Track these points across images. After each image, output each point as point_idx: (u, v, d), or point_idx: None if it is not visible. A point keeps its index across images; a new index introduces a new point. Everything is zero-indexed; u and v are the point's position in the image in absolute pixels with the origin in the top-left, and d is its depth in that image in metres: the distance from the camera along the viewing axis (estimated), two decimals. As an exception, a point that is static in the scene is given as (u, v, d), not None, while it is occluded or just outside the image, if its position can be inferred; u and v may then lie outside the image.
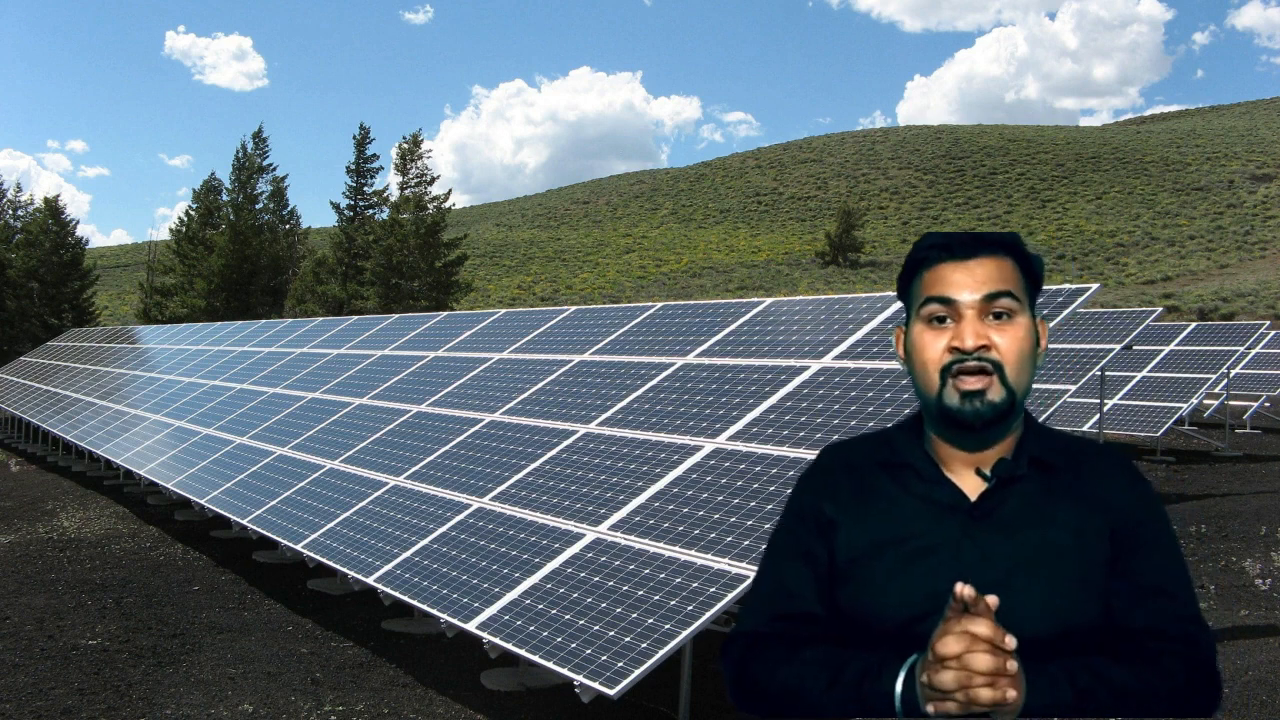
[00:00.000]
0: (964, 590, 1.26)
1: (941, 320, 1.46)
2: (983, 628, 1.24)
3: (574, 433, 6.61)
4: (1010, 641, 1.24)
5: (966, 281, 1.45)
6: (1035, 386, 10.69)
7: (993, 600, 1.25)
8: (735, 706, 1.54)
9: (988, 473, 1.46)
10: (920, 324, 1.48)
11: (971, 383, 1.42)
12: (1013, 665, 1.24)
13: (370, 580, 6.01)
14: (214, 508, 8.61)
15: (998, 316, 1.44)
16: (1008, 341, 1.43)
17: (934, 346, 1.45)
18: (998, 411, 1.42)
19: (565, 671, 4.35)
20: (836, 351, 5.98)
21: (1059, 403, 11.83)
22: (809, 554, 1.53)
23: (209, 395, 12.54)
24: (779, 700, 1.43)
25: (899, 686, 1.32)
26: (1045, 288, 5.43)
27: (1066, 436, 1.57)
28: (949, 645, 1.24)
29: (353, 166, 39.29)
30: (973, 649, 1.23)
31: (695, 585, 4.50)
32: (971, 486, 1.47)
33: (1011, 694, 1.23)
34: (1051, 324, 5.09)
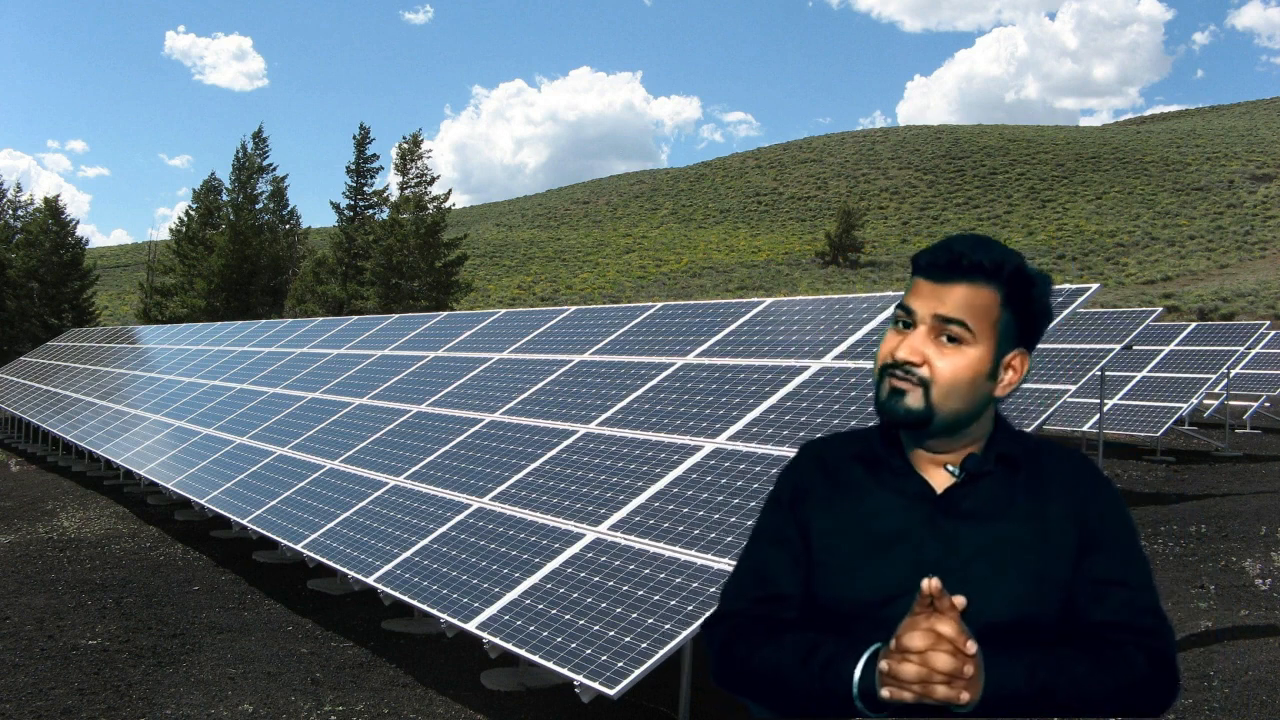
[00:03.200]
0: (931, 585, 1.32)
1: (906, 325, 1.54)
2: (947, 628, 1.30)
3: (574, 433, 6.61)
4: (971, 646, 1.30)
5: (930, 299, 1.52)
6: (1036, 387, 10.67)
7: (960, 600, 1.30)
8: (716, 684, 1.61)
9: (956, 469, 1.53)
10: (891, 324, 1.58)
11: (897, 384, 1.51)
12: (970, 669, 1.29)
13: (370, 580, 6.01)
14: (214, 508, 8.61)
15: (951, 339, 1.50)
16: (945, 365, 1.49)
17: (887, 346, 1.55)
18: (911, 416, 1.50)
19: (565, 671, 4.35)
20: (836, 351, 5.99)
21: (1059, 403, 11.83)
22: (787, 540, 1.61)
23: (209, 395, 12.54)
24: (757, 679, 1.51)
25: (857, 673, 1.38)
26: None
27: (1034, 437, 1.64)
28: (914, 640, 1.30)
29: (353, 166, 39.30)
30: (936, 647, 1.29)
31: (695, 585, 4.51)
32: (940, 482, 1.54)
33: (965, 696, 1.29)
34: (1051, 324, 5.08)
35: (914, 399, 1.49)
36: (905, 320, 1.54)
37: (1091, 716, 1.38)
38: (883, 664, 1.33)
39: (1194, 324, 17.85)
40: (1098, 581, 1.48)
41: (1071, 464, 1.57)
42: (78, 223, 40.16)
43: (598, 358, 7.72)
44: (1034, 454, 1.56)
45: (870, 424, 1.67)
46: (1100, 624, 1.46)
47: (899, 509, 1.53)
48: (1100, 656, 1.42)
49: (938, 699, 1.29)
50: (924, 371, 1.49)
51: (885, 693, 1.32)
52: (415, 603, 5.54)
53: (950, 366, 1.49)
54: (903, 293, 1.62)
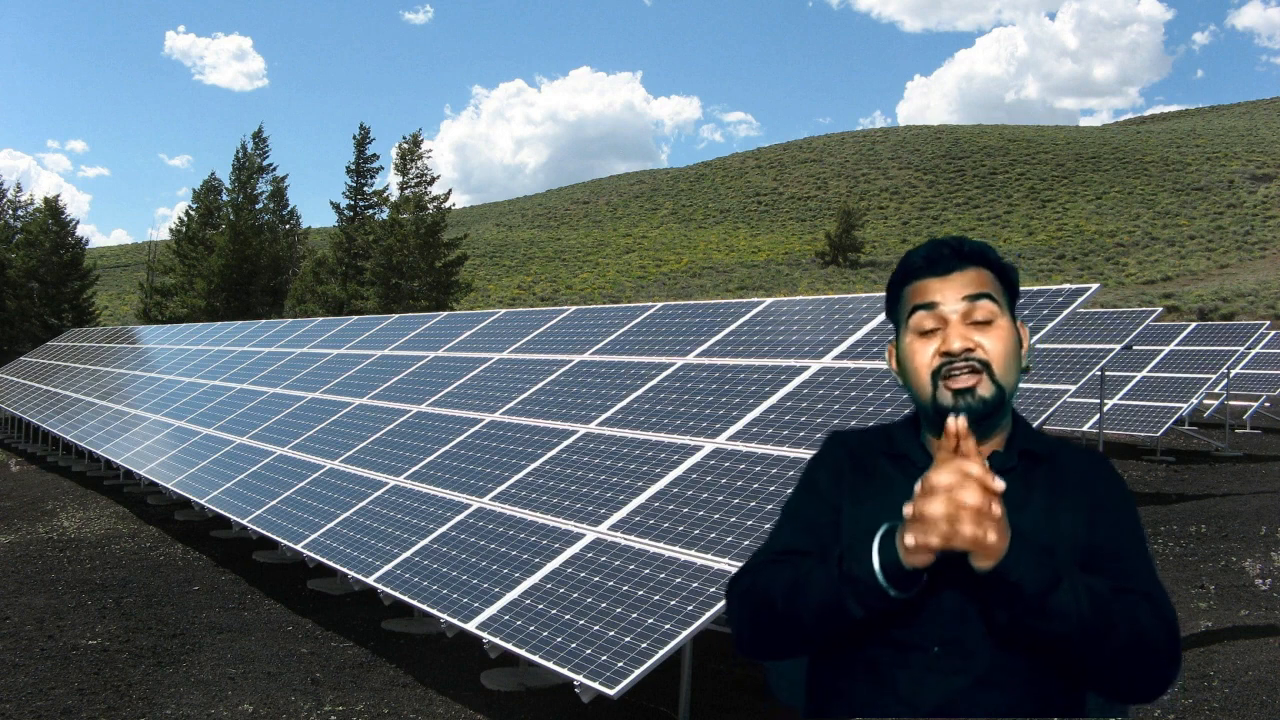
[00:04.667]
0: (958, 424, 1.35)
1: (930, 331, 1.55)
2: (974, 466, 1.32)
3: (574, 433, 6.61)
4: (999, 484, 1.32)
5: (948, 290, 1.55)
6: (1036, 387, 10.70)
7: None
8: (740, 650, 1.59)
9: None
10: (910, 335, 1.58)
11: (963, 381, 1.51)
12: (997, 509, 1.31)
13: (370, 580, 6.01)
14: (214, 508, 8.61)
15: (980, 322, 1.54)
16: (992, 343, 1.53)
17: (924, 354, 1.55)
18: (989, 406, 1.51)
19: (565, 671, 4.35)
20: (836, 351, 5.98)
21: (1059, 403, 11.83)
22: (815, 523, 1.61)
23: (209, 395, 12.54)
24: (780, 602, 1.49)
25: (876, 544, 1.39)
26: (1045, 288, 5.44)
27: (1050, 436, 1.68)
28: (941, 476, 1.32)
29: (353, 166, 39.30)
30: (964, 483, 1.31)
31: (695, 585, 4.51)
32: None
33: (993, 536, 1.30)
34: (1051, 324, 5.09)
35: (984, 388, 1.50)
36: (928, 325, 1.55)
37: (1102, 651, 1.36)
38: (906, 509, 1.34)
39: (1194, 324, 17.84)
40: (1101, 554, 1.49)
41: (1088, 461, 1.60)
42: (78, 223, 40.19)
43: (598, 358, 7.72)
44: (1053, 451, 1.59)
45: (893, 419, 1.68)
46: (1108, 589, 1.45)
47: None
48: (1118, 599, 1.40)
49: (965, 538, 1.29)
50: (981, 354, 1.51)
51: (909, 539, 1.32)
52: (415, 603, 5.54)
53: (996, 341, 1.53)
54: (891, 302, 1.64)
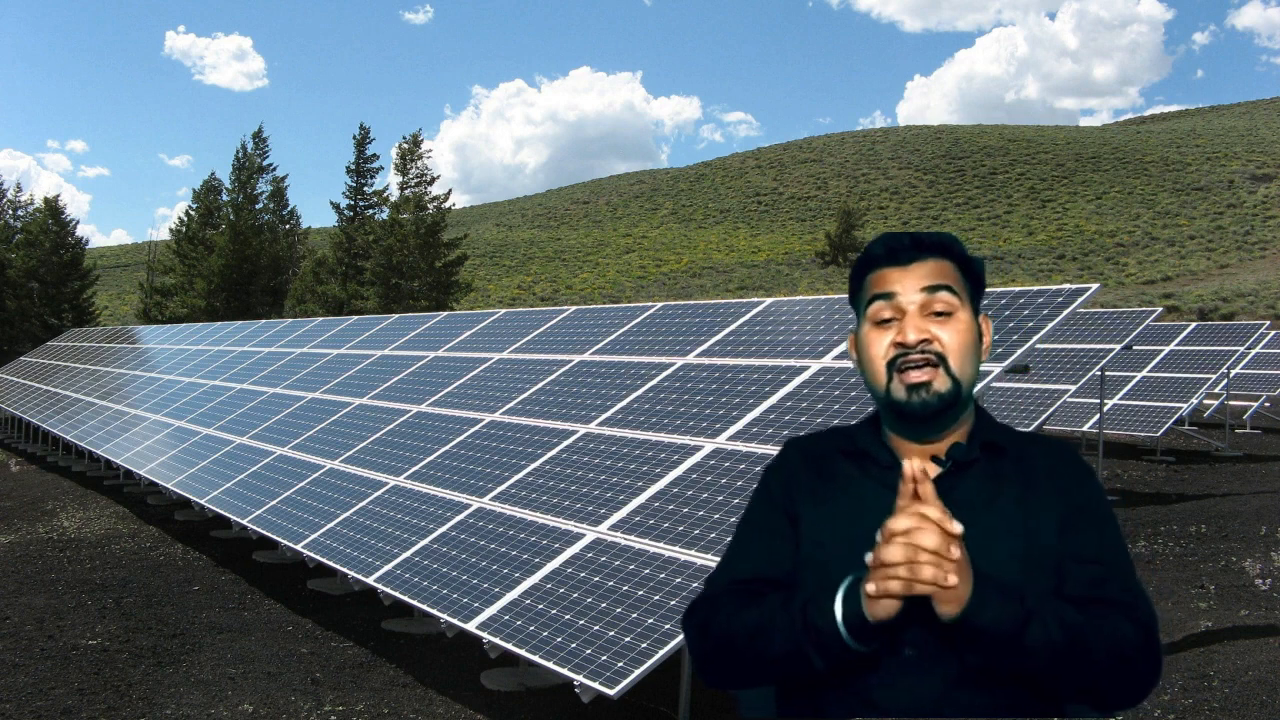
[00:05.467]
0: (913, 468, 1.33)
1: (887, 321, 1.53)
2: (932, 510, 1.30)
3: (574, 433, 6.61)
4: (956, 527, 1.29)
5: (907, 280, 1.53)
6: (1036, 387, 10.69)
7: (956, 528, 1.30)
8: (700, 674, 1.57)
9: (943, 458, 1.53)
10: (867, 324, 1.56)
11: (917, 376, 1.49)
12: (956, 551, 1.29)
13: (370, 580, 6.01)
14: (214, 508, 8.61)
15: (939, 314, 1.52)
16: (950, 335, 1.51)
17: (880, 344, 1.53)
18: (944, 401, 1.49)
19: (565, 671, 4.35)
20: (837, 351, 5.98)
21: (1059, 403, 11.84)
22: (775, 531, 1.59)
23: (209, 395, 12.54)
24: (740, 642, 1.47)
25: (839, 598, 1.37)
26: (1045, 288, 5.44)
27: (1013, 429, 1.64)
28: (899, 521, 1.31)
29: (353, 166, 39.29)
30: (921, 526, 1.29)
31: (695, 585, 4.50)
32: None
33: (953, 578, 1.28)
34: (1051, 324, 5.09)
35: (940, 382, 1.48)
36: (886, 315, 1.53)
37: (1077, 677, 1.35)
38: (868, 557, 1.32)
39: (1194, 324, 17.84)
40: (1077, 560, 1.47)
41: (1055, 452, 1.57)
42: (78, 223, 40.21)
43: (598, 358, 7.72)
44: (1018, 443, 1.57)
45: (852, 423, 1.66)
46: (1081, 599, 1.44)
47: (888, 501, 1.50)
48: (1091, 617, 1.39)
49: (925, 581, 1.27)
50: (937, 346, 1.49)
51: (870, 587, 1.30)
52: (415, 603, 5.54)
53: (954, 334, 1.51)
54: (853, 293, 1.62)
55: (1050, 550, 1.47)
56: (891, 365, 1.50)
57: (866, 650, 1.37)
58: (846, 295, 1.68)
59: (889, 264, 1.55)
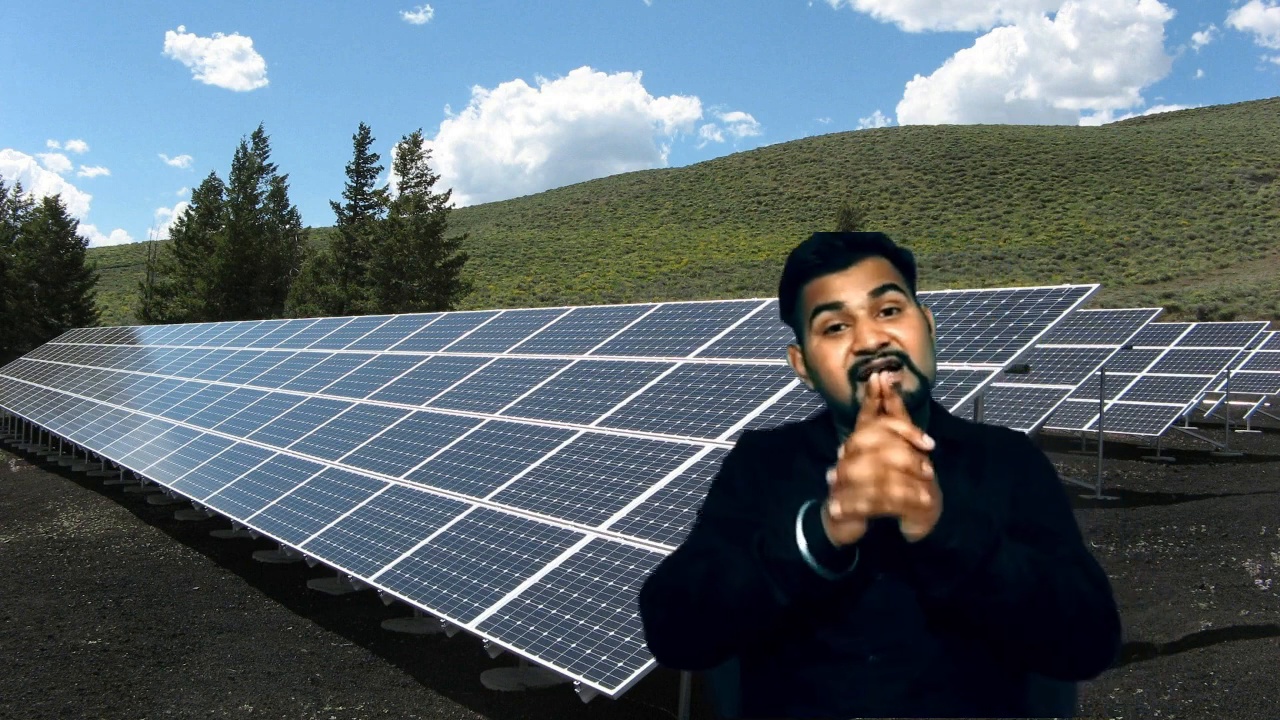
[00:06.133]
0: (880, 381, 1.28)
1: (836, 328, 1.48)
2: (900, 425, 1.24)
3: (574, 433, 6.61)
4: (927, 441, 1.23)
5: (851, 285, 1.48)
6: (1036, 387, 10.66)
7: (926, 443, 1.24)
8: (656, 653, 1.49)
9: None
10: (816, 337, 1.49)
11: (888, 379, 1.44)
12: (928, 468, 1.23)
13: (370, 580, 6.01)
14: (214, 508, 8.61)
15: (888, 313, 1.47)
16: (905, 333, 1.46)
17: (835, 355, 1.46)
18: (915, 400, 1.45)
19: (565, 671, 4.35)
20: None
21: (1059, 403, 11.84)
22: (731, 521, 1.52)
23: (209, 395, 12.54)
24: (699, 599, 1.38)
25: (800, 521, 1.30)
26: (1045, 288, 5.44)
27: (966, 420, 1.61)
28: (865, 436, 1.24)
29: (353, 166, 39.30)
30: (890, 441, 1.23)
31: (695, 585, 4.50)
32: None
33: (924, 496, 1.21)
34: (1051, 324, 5.09)
35: (909, 383, 1.44)
36: (835, 323, 1.48)
37: (1043, 621, 1.28)
38: (830, 474, 1.25)
39: (1194, 324, 17.84)
40: (1027, 529, 1.41)
41: (1005, 439, 1.55)
42: (78, 223, 40.22)
43: (598, 358, 7.72)
44: (973, 437, 1.54)
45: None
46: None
47: None
48: (1055, 565, 1.33)
49: (895, 500, 1.20)
50: (897, 346, 1.45)
51: (835, 508, 1.23)
52: (415, 603, 5.54)
53: (909, 331, 1.46)
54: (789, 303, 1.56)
55: (1003, 526, 1.42)
56: (853, 374, 1.45)
57: (835, 578, 1.29)
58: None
59: (827, 270, 1.49)
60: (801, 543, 1.29)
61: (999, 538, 1.28)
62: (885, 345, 1.44)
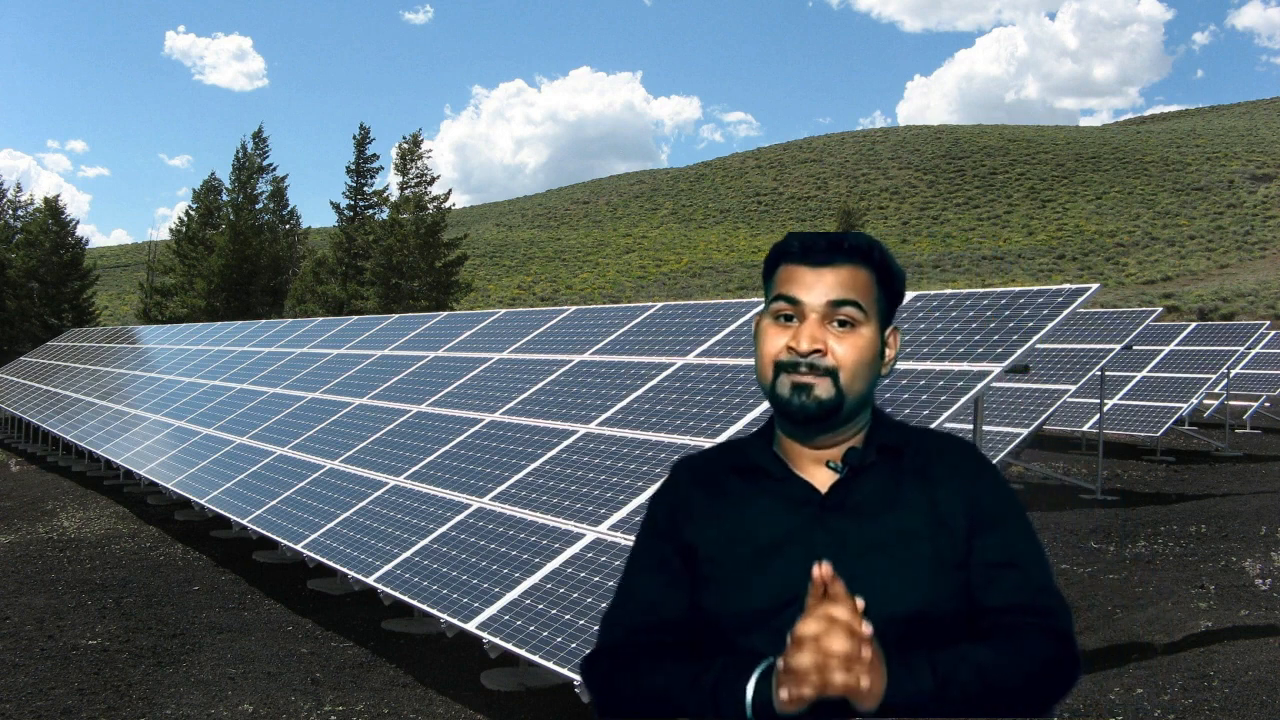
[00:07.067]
0: (822, 571, 1.29)
1: (788, 319, 1.50)
2: (841, 611, 1.26)
3: (574, 433, 6.61)
4: (866, 628, 1.25)
5: (815, 285, 1.48)
6: (1036, 387, 10.63)
7: (858, 603, 1.27)
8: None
9: (838, 464, 1.50)
10: (768, 318, 1.52)
11: (799, 378, 1.46)
12: (867, 652, 1.25)
13: (370, 580, 6.01)
14: (214, 508, 8.61)
15: (841, 324, 1.48)
16: (845, 349, 1.47)
17: (775, 342, 1.49)
18: (823, 408, 1.46)
19: (565, 672, 4.35)
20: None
21: (1059, 403, 11.84)
22: (665, 563, 1.54)
23: (209, 395, 12.54)
24: (645, 710, 1.43)
25: (751, 686, 1.33)
26: (1045, 288, 5.44)
27: (913, 426, 1.60)
28: (807, 626, 1.26)
29: (353, 166, 39.30)
30: (830, 630, 1.25)
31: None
32: (823, 481, 1.50)
33: (865, 681, 1.24)
34: (1051, 324, 5.08)
35: (823, 388, 1.45)
36: (788, 313, 1.49)
37: (999, 707, 1.34)
38: (779, 662, 1.29)
39: (1194, 324, 17.85)
40: (990, 565, 1.45)
41: (953, 448, 1.55)
42: (78, 223, 40.23)
43: (598, 358, 7.72)
44: (916, 441, 1.54)
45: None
46: (996, 609, 1.42)
47: (784, 514, 1.49)
48: (1002, 644, 1.38)
49: (837, 687, 1.24)
50: (829, 360, 1.46)
51: (784, 694, 1.27)
52: (415, 603, 5.54)
53: (851, 349, 1.46)
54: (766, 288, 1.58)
55: (958, 551, 1.45)
56: (780, 367, 1.48)
57: None
58: None
59: (802, 261, 1.51)
60: (749, 701, 1.33)
61: (943, 678, 1.32)
62: (818, 354, 1.46)
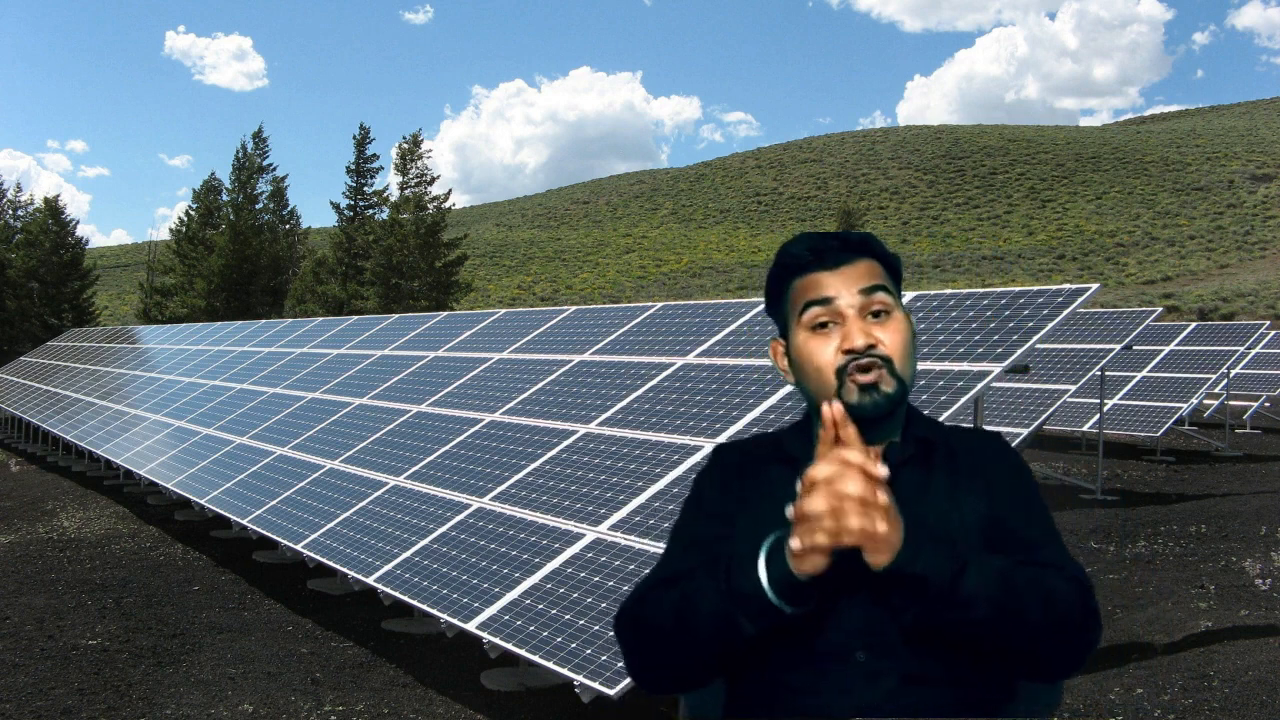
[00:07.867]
0: (834, 411, 1.28)
1: (825, 325, 1.49)
2: (854, 454, 1.25)
3: (574, 433, 6.61)
4: (882, 470, 1.24)
5: (842, 284, 1.50)
6: (1036, 386, 10.67)
7: (874, 449, 1.27)
8: (637, 680, 1.52)
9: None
10: (804, 332, 1.51)
11: (865, 377, 1.46)
12: (883, 496, 1.24)
13: (370, 580, 6.01)
14: (214, 508, 8.61)
15: (875, 315, 1.49)
16: (891, 336, 1.48)
17: (823, 351, 1.48)
18: (892, 402, 1.47)
19: (565, 671, 4.35)
20: (836, 351, 5.97)
21: (1059, 403, 11.84)
22: (703, 541, 1.53)
23: (209, 395, 12.54)
24: (669, 625, 1.40)
25: (763, 556, 1.32)
26: (1045, 288, 5.45)
27: (939, 422, 1.63)
28: (819, 470, 1.25)
29: (353, 166, 39.31)
30: (844, 473, 1.24)
31: (695, 585, 4.50)
32: None
33: (881, 526, 1.22)
34: (1051, 324, 5.09)
35: (887, 384, 1.45)
36: (823, 320, 1.49)
37: (1013, 634, 1.30)
38: (790, 511, 1.26)
39: (1194, 324, 17.84)
40: (1005, 534, 1.44)
41: (981, 440, 1.57)
42: (78, 223, 40.22)
43: (598, 358, 7.72)
44: (944, 433, 1.56)
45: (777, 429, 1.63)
46: (1014, 563, 1.40)
47: None
48: (1027, 569, 1.35)
49: (852, 531, 1.22)
50: (883, 350, 1.47)
51: (794, 543, 1.24)
52: (415, 603, 5.54)
53: (895, 335, 1.48)
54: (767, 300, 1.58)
55: (979, 532, 1.44)
56: (841, 372, 1.46)
57: (797, 611, 1.31)
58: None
59: (818, 268, 1.51)
60: (763, 575, 1.30)
61: (963, 558, 1.30)
62: (872, 347, 1.46)
